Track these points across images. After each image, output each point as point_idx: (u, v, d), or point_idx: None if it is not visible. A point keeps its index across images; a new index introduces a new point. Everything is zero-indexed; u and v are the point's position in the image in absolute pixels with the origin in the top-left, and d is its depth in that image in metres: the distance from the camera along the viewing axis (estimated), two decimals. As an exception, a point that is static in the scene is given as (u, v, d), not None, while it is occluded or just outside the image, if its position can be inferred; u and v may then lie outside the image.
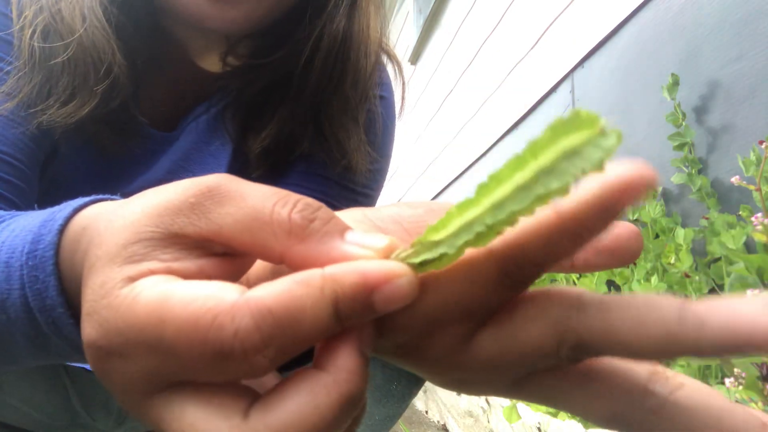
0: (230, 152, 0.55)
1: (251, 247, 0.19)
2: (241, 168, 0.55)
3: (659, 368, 0.19)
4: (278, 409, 0.17)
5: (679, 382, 0.19)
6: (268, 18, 0.48)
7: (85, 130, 0.47)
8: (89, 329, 0.18)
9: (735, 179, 1.08)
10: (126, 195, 0.24)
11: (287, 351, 0.17)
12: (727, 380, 0.75)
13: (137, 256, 0.19)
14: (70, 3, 0.45)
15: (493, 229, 0.17)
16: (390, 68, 0.63)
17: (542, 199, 0.16)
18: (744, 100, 1.29)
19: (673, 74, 1.42)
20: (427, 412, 2.15)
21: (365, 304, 0.17)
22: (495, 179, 0.17)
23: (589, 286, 1.24)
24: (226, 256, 0.20)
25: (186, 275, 0.19)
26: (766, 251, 0.98)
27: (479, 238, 0.17)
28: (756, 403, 0.76)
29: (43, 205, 0.27)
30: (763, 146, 0.99)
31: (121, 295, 0.18)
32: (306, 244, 0.19)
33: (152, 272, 0.18)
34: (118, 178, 0.52)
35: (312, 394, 0.17)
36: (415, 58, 4.30)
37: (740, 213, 1.09)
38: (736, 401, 0.86)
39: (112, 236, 0.19)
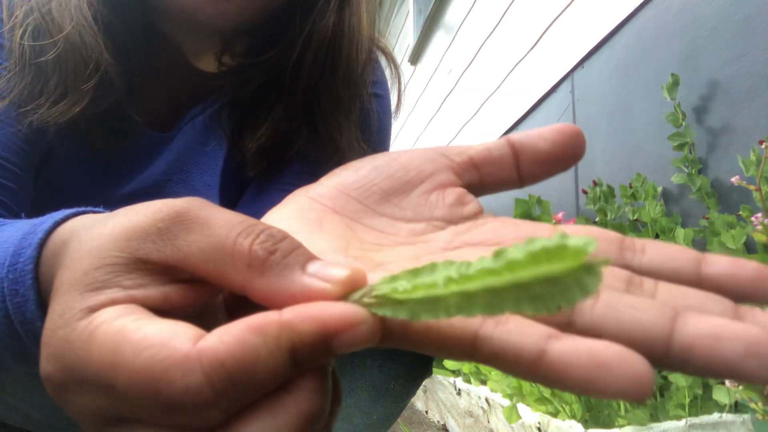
0: (226, 152, 0.55)
1: (214, 276, 0.19)
2: (238, 167, 0.55)
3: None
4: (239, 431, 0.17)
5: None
6: (260, 14, 0.48)
7: (79, 130, 0.47)
8: (45, 361, 0.18)
9: (735, 179, 1.08)
10: (122, 196, 0.24)
11: (241, 401, 0.17)
12: (727, 380, 0.75)
13: (98, 283, 0.18)
14: (60, 3, 0.45)
15: (452, 315, 0.17)
16: (389, 70, 0.63)
17: (509, 310, 0.16)
18: (744, 100, 1.29)
19: (673, 74, 1.42)
20: (427, 412, 2.15)
21: (324, 351, 0.17)
22: (464, 274, 0.16)
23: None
24: (192, 282, 0.20)
25: (149, 303, 0.19)
26: (766, 251, 0.98)
27: (437, 315, 0.17)
28: (756, 403, 0.76)
29: (38, 207, 0.27)
30: (763, 146, 0.99)
31: (78, 328, 0.18)
32: (265, 277, 0.18)
33: (113, 302, 0.18)
34: (114, 180, 0.52)
35: (272, 415, 0.17)
36: (415, 58, 4.30)
37: (740, 213, 1.09)
38: (736, 401, 0.86)
39: (78, 260, 0.19)
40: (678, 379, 1.06)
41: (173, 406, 0.16)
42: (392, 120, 0.64)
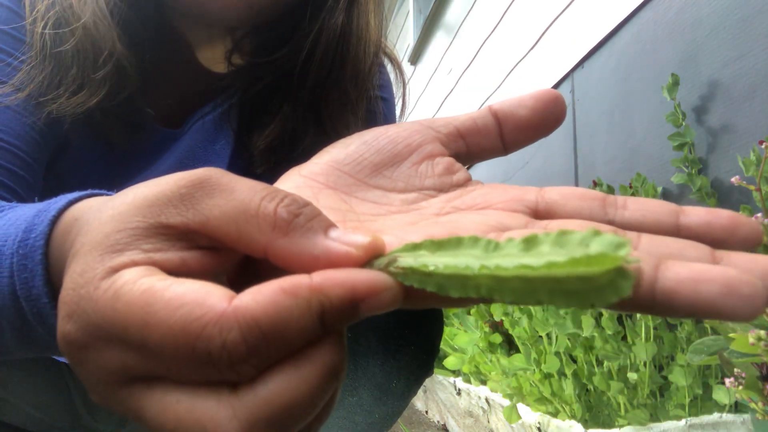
0: (234, 150, 0.56)
1: (236, 239, 0.19)
2: (245, 166, 0.55)
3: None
4: (266, 381, 0.17)
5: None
6: (271, 9, 0.48)
7: (94, 123, 0.48)
8: (64, 320, 0.18)
9: (735, 179, 1.08)
10: None
11: (272, 358, 0.17)
12: (727, 380, 0.75)
13: (120, 245, 0.19)
14: None
15: (481, 295, 0.17)
16: (392, 72, 0.63)
17: (542, 302, 0.16)
18: (744, 100, 1.29)
19: (673, 74, 1.42)
20: (427, 412, 2.15)
21: (351, 314, 0.18)
22: (498, 265, 0.17)
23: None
24: (210, 249, 0.20)
25: (168, 267, 0.19)
26: (767, 251, 0.98)
27: (466, 293, 0.18)
28: (756, 403, 0.76)
29: (47, 198, 0.28)
30: (763, 146, 0.99)
31: (101, 287, 0.18)
32: (289, 238, 0.19)
33: (134, 263, 0.18)
34: (124, 174, 0.52)
35: (297, 368, 0.18)
36: (415, 58, 4.30)
37: (740, 213, 1.08)
38: (736, 401, 0.86)
39: (99, 225, 0.19)
40: (678, 379, 1.06)
41: (209, 362, 0.17)
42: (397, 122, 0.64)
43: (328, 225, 0.20)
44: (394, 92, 0.64)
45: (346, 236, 0.19)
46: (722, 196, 1.33)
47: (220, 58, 0.54)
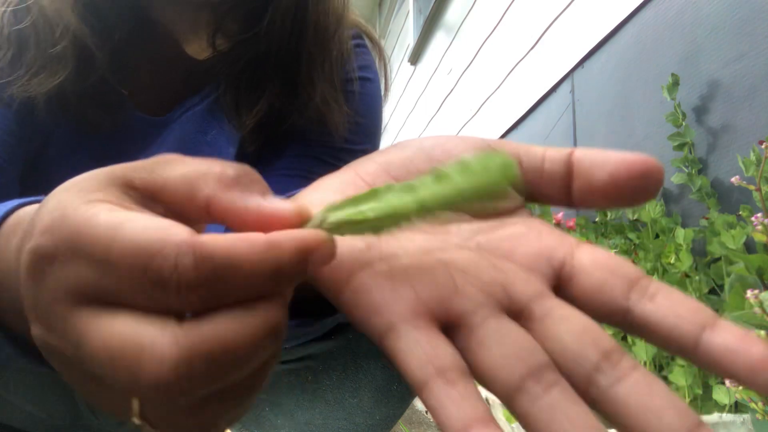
0: (226, 140, 0.56)
1: (187, 198, 0.21)
2: (238, 156, 0.56)
3: (612, 351, 0.20)
4: (212, 319, 0.18)
5: (625, 370, 0.19)
6: None
7: (69, 107, 0.48)
8: (40, 234, 0.19)
9: (735, 179, 1.08)
10: None
11: (220, 297, 0.18)
12: (727, 380, 0.75)
13: (94, 188, 0.20)
14: None
15: (411, 222, 0.21)
16: (375, 54, 0.64)
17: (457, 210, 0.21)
18: (744, 100, 1.29)
19: (673, 74, 1.42)
20: (427, 412, 2.15)
21: (301, 269, 0.19)
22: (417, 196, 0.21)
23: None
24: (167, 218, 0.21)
25: None
26: (766, 251, 0.98)
27: (397, 226, 0.21)
28: (756, 403, 0.76)
29: (27, 195, 0.28)
30: (763, 146, 0.99)
31: (80, 208, 0.19)
32: (230, 192, 0.21)
33: (110, 202, 0.19)
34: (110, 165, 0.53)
35: (244, 313, 0.18)
36: (415, 58, 4.30)
37: (740, 213, 1.09)
38: (736, 401, 0.86)
39: (71, 185, 0.20)
40: (678, 379, 1.06)
41: (159, 283, 0.17)
42: (382, 102, 0.65)
43: (267, 192, 0.21)
44: (378, 73, 0.64)
45: (280, 202, 0.21)
46: (722, 196, 1.33)
47: (204, 44, 0.55)
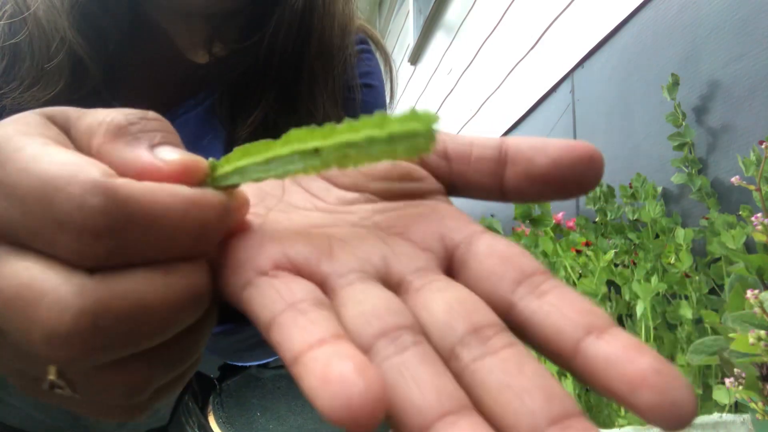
0: (221, 145, 0.56)
1: (86, 150, 0.19)
2: None
3: (484, 327, 0.18)
4: (126, 275, 0.17)
5: (496, 347, 0.17)
6: None
7: None
8: None
9: (735, 179, 1.08)
10: None
11: (131, 251, 0.16)
12: (727, 380, 0.75)
13: (35, 124, 0.19)
14: None
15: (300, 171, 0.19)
16: (381, 60, 0.63)
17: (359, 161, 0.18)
18: (744, 100, 1.29)
19: (673, 74, 1.42)
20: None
21: (223, 225, 0.18)
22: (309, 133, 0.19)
23: (589, 286, 1.24)
24: None
25: None
26: (766, 251, 0.98)
27: (285, 172, 0.19)
28: (756, 403, 0.76)
29: None
30: (763, 146, 0.99)
31: (13, 139, 0.17)
32: (113, 143, 0.19)
33: (47, 137, 0.18)
34: None
35: (162, 272, 0.17)
36: (415, 58, 4.30)
37: (740, 213, 1.09)
38: (736, 401, 0.86)
39: (11, 117, 0.19)
40: (678, 379, 1.06)
41: (61, 222, 0.16)
42: (387, 110, 0.64)
43: (160, 142, 0.19)
44: (384, 78, 0.63)
45: (165, 152, 0.19)
46: (722, 196, 1.33)
47: (201, 50, 0.54)
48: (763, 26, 1.24)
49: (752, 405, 0.75)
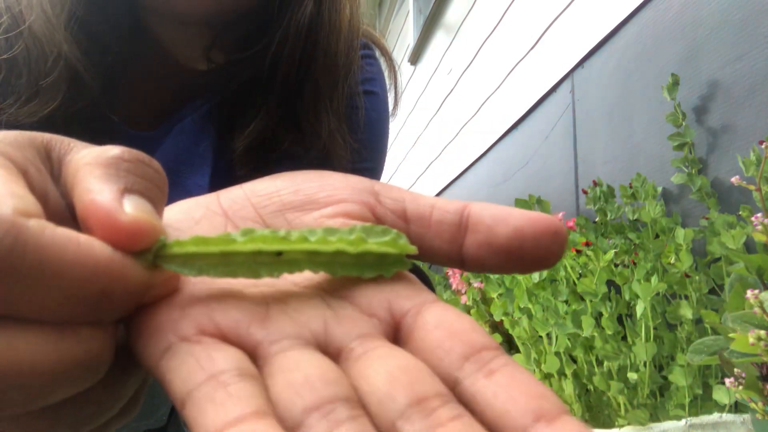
0: (216, 153, 0.55)
1: (70, 186, 0.19)
2: (227, 167, 0.55)
3: (429, 398, 0.16)
4: (10, 328, 0.15)
5: (442, 419, 0.15)
6: (238, 3, 0.48)
7: (58, 131, 0.47)
8: None
9: (735, 179, 1.08)
10: None
11: (16, 304, 0.15)
12: (727, 380, 0.75)
13: (6, 142, 0.18)
14: (29, 1, 0.44)
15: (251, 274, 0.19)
16: (385, 66, 0.62)
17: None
18: (744, 100, 1.29)
19: (673, 74, 1.42)
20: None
21: (132, 300, 0.17)
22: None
23: (589, 286, 1.24)
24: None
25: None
26: (766, 251, 0.98)
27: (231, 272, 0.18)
28: (756, 403, 0.76)
29: None
30: (763, 146, 0.99)
31: None
32: (92, 168, 0.18)
33: (10, 159, 0.18)
34: None
35: (53, 335, 0.15)
36: (415, 58, 4.30)
37: (740, 213, 1.09)
38: (737, 401, 0.86)
39: None
40: (678, 379, 1.06)
41: None
42: (389, 117, 0.63)
43: (138, 190, 0.18)
44: (387, 84, 0.62)
45: (132, 202, 0.17)
46: (722, 196, 1.33)
47: (200, 58, 0.54)
48: (763, 26, 1.24)
49: (752, 405, 0.75)
